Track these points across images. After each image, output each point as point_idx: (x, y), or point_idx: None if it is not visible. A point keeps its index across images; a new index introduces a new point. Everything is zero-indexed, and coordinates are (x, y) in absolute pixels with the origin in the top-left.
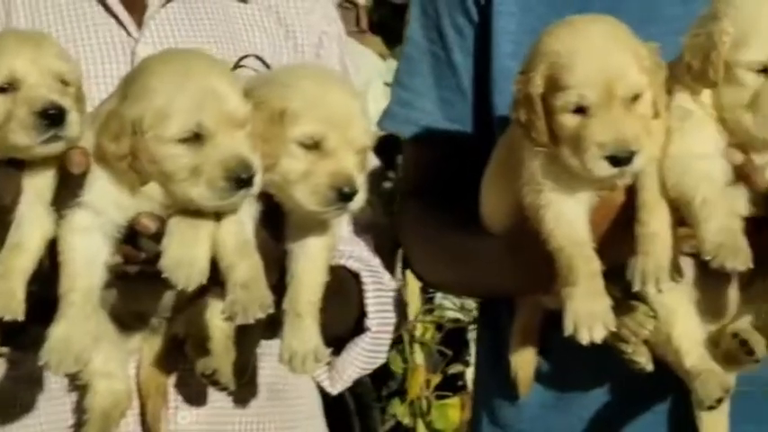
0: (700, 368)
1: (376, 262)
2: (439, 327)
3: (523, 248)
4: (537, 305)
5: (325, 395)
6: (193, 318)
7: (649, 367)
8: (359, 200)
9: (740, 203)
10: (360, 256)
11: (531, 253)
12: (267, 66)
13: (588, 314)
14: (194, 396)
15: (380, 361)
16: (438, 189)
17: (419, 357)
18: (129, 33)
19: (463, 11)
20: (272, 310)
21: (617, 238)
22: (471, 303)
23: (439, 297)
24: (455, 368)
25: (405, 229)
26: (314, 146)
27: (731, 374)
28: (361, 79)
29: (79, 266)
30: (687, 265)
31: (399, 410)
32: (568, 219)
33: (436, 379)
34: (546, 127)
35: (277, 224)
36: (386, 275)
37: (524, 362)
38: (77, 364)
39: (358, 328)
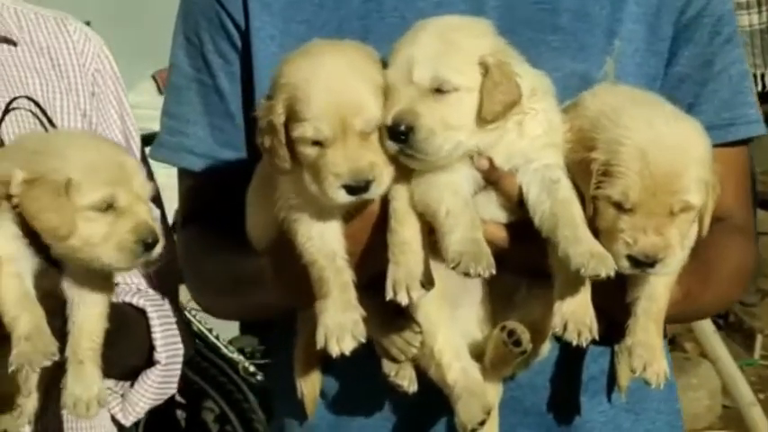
0: (461, 389)
1: (159, 295)
2: None
3: (284, 263)
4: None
5: None
6: None
7: (411, 389)
8: (160, 247)
9: (492, 210)
10: (146, 289)
11: (292, 267)
12: (40, 107)
13: (338, 326)
14: None
15: (172, 391)
16: (212, 215)
17: None
18: None
19: (226, 36)
20: (56, 358)
21: (376, 246)
22: None
23: None
24: None
25: (181, 259)
26: (108, 207)
27: (497, 385)
28: None
29: None
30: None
31: None
32: (319, 232)
33: None
34: (288, 154)
35: (56, 275)
36: (170, 307)
37: (309, 381)
38: None
39: (151, 360)
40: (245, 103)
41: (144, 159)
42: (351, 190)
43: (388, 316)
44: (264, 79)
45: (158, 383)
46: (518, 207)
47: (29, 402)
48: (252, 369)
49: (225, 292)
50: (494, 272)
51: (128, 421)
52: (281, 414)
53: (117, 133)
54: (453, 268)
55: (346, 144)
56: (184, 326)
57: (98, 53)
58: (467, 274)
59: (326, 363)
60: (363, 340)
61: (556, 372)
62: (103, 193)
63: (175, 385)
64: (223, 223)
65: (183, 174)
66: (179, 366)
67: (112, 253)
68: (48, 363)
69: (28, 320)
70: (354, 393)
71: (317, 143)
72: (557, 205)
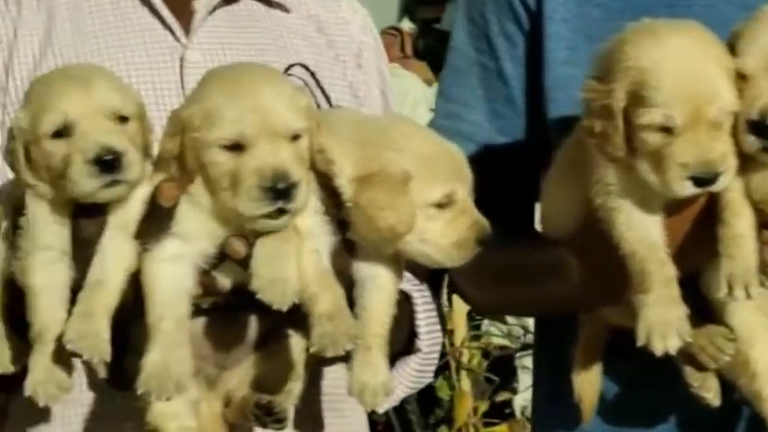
0: None
1: (418, 280)
2: (485, 353)
3: (593, 251)
4: (601, 322)
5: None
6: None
7: (716, 402)
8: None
9: None
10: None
11: (602, 256)
12: (313, 75)
13: (662, 323)
14: None
15: (428, 380)
16: (488, 207)
17: (466, 384)
18: (176, 39)
19: (513, 18)
20: (359, 341)
21: (698, 240)
22: (518, 330)
23: (486, 323)
24: (502, 395)
25: None
26: (448, 203)
27: None
28: (406, 105)
29: (167, 295)
30: None
31: None
32: (641, 222)
33: (483, 406)
34: (624, 140)
35: (348, 256)
36: (430, 293)
37: (588, 384)
38: (178, 390)
39: (407, 347)
40: (529, 89)
41: None
42: (698, 182)
43: (698, 320)
44: (556, 64)
45: (417, 371)
46: None
47: (296, 385)
48: None
49: (508, 282)
50: None
51: (381, 408)
52: (545, 421)
53: (379, 111)
54: None
55: (697, 133)
56: (442, 313)
57: (364, 25)
58: None
59: (607, 365)
60: (689, 339)
61: None
62: (447, 189)
63: (432, 374)
64: (500, 216)
65: None
66: (438, 355)
67: (450, 251)
68: (351, 346)
69: (329, 299)
70: (637, 402)
71: (663, 131)
72: None
